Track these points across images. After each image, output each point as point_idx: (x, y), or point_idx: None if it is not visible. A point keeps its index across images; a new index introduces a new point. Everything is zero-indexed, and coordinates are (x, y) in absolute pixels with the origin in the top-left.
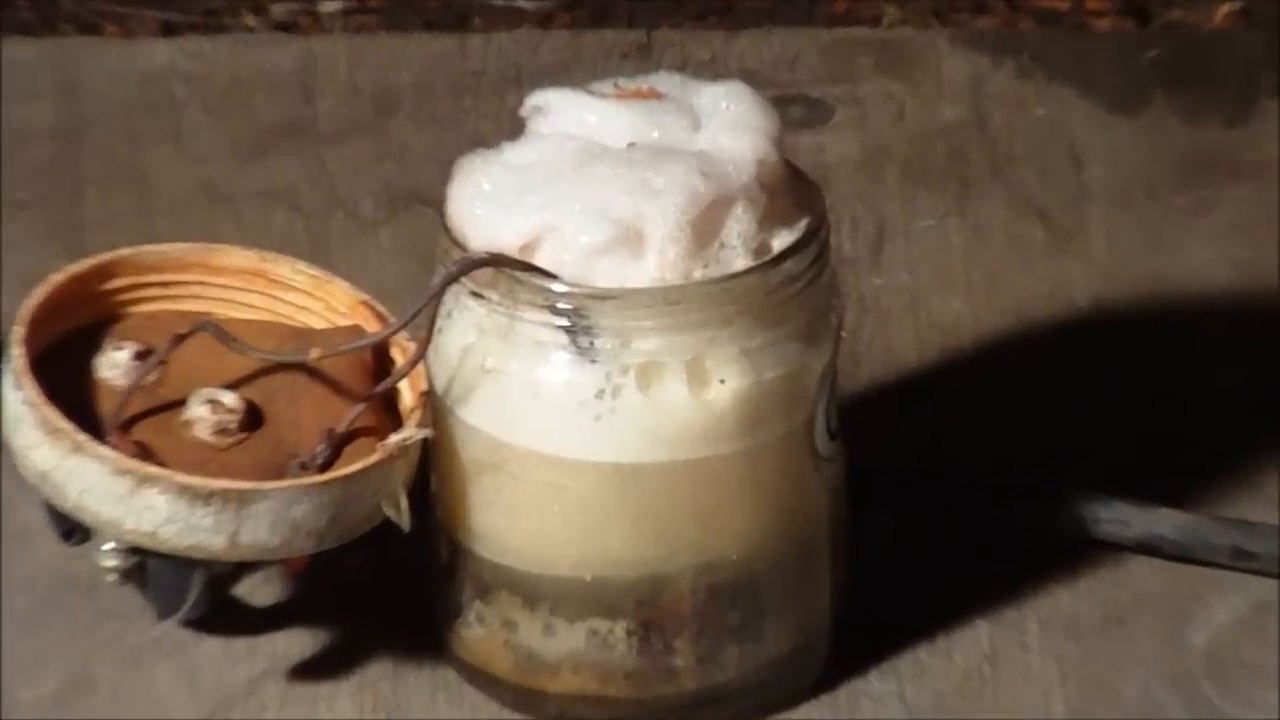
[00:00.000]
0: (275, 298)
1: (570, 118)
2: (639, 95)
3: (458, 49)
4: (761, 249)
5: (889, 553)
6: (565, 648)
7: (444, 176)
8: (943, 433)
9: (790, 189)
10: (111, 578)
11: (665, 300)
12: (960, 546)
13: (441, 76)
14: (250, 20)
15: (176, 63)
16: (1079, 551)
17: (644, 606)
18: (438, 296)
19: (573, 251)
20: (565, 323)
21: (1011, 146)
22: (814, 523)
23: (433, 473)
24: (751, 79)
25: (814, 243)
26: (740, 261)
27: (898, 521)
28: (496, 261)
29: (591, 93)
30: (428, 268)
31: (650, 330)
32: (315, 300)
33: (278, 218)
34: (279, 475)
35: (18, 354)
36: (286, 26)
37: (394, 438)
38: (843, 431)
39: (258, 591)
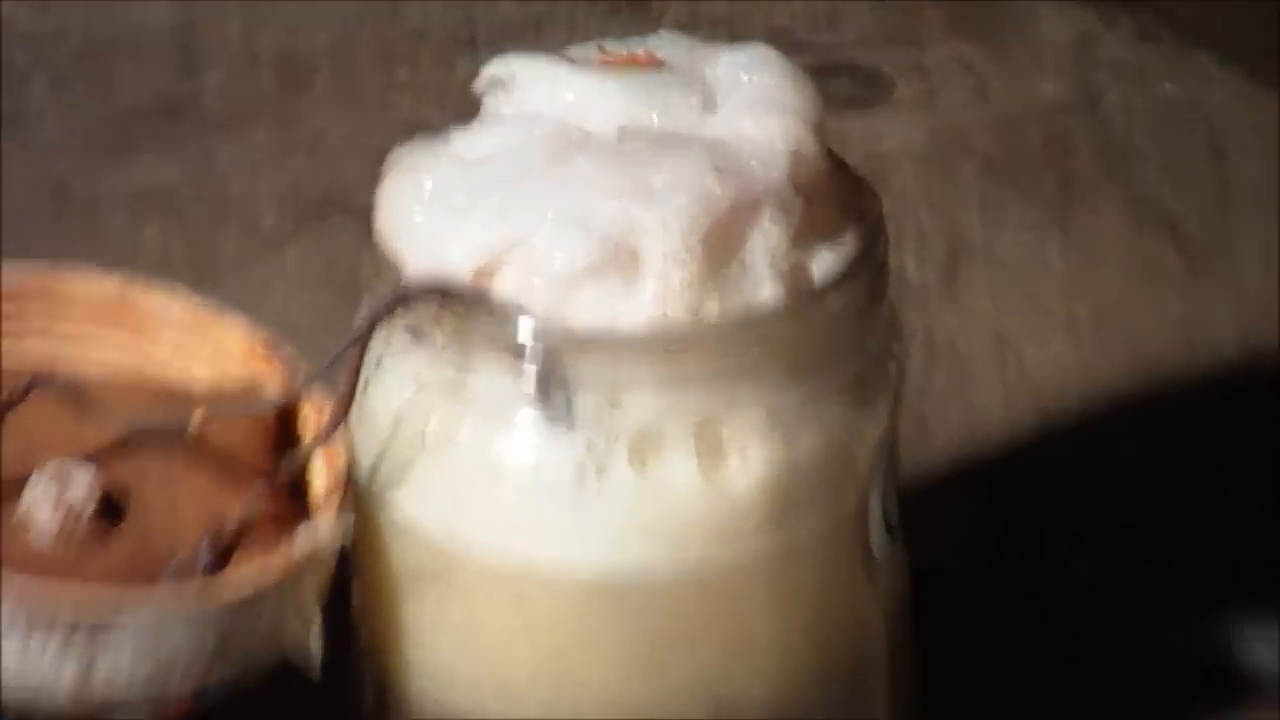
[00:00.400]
0: (145, 340)
1: (541, 94)
2: (632, 64)
3: (389, 3)
4: (796, 274)
5: (967, 684)
6: None
7: (372, 175)
8: (1039, 523)
9: (835, 191)
10: None
11: (667, 344)
12: (1061, 673)
13: (369, 40)
14: None
15: (15, 20)
16: (1221, 683)
17: None
18: (363, 339)
19: (544, 277)
20: (534, 375)
21: (1130, 134)
22: (866, 648)
23: (355, 582)
24: (782, 41)
25: (867, 265)
26: (767, 290)
27: (978, 643)
28: (442, 291)
29: (569, 61)
30: (350, 299)
31: (647, 385)
32: (199, 343)
33: (150, 231)
34: (148, 586)
35: None
36: None
37: (303, 535)
38: (905, 524)
39: None
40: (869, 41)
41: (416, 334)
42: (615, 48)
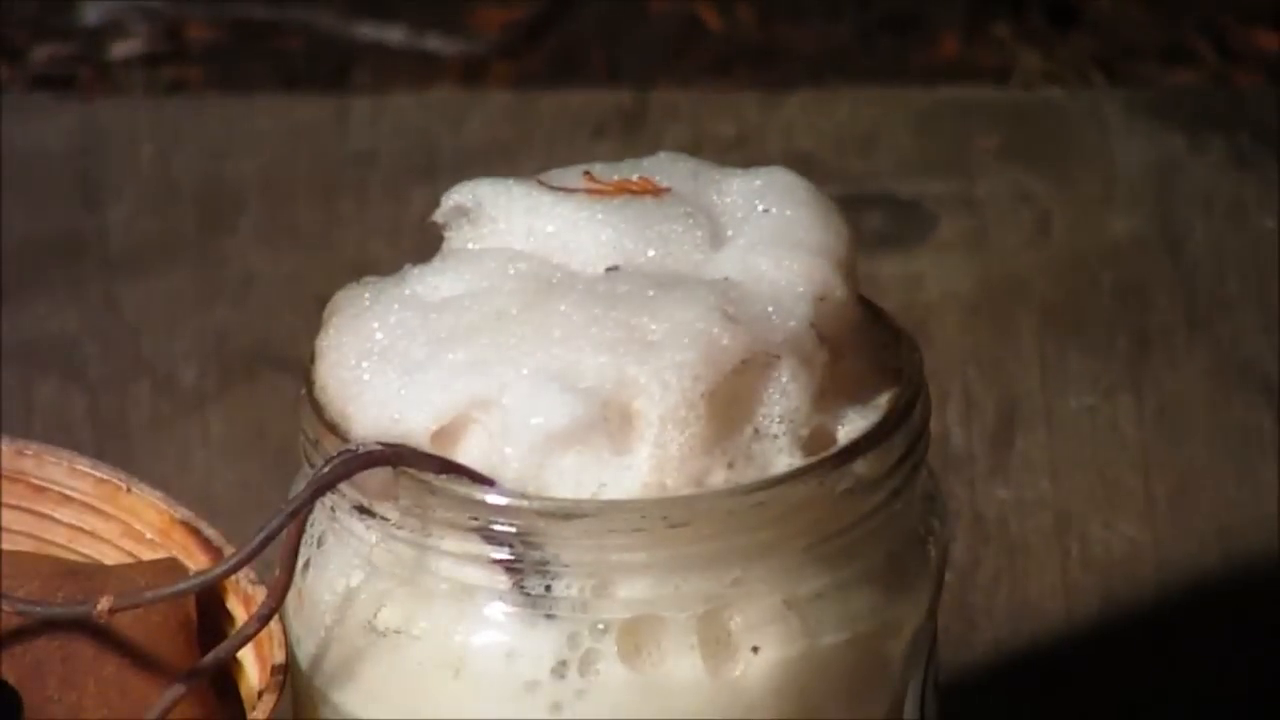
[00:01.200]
0: (42, 515)
1: (515, 227)
2: (625, 190)
3: (333, 119)
4: (819, 439)
5: None
6: None
7: (310, 324)
8: None
9: (867, 344)
10: None
11: (666, 519)
12: None
13: (308, 163)
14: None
15: None
16: None
17: None
18: (302, 515)
19: (519, 442)
20: (507, 555)
21: (1219, 278)
22: None
23: None
24: (805, 166)
25: (902, 431)
26: (784, 459)
27: None
28: (396, 459)
29: (549, 188)
30: (285, 470)
31: (642, 567)
32: (106, 519)
33: (45, 388)
34: None
35: None
36: (56, 81)
37: None
38: None
39: None
40: (908, 169)
41: (366, 509)
42: (604, 172)
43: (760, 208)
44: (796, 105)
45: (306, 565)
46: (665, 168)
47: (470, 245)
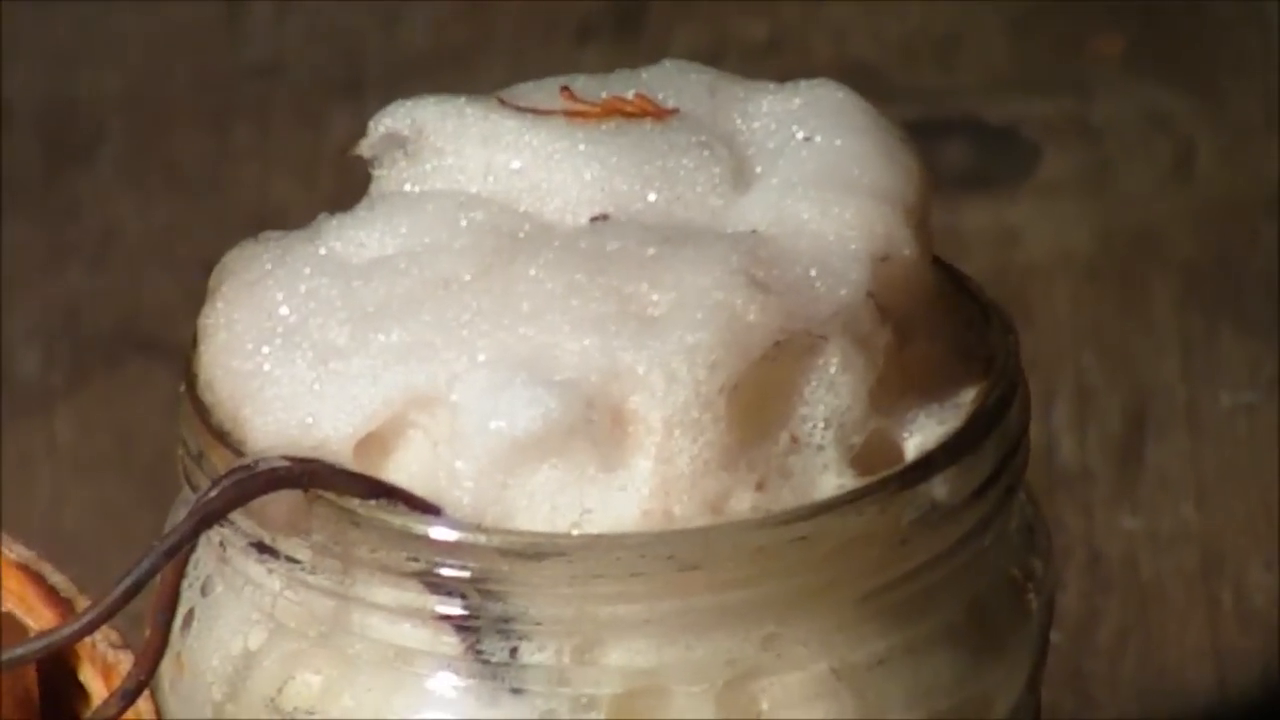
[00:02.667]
0: None
1: (468, 162)
2: (617, 112)
3: (223, 20)
4: (877, 451)
5: None
6: None
7: (194, 293)
8: None
9: (943, 322)
10: None
11: (674, 560)
12: None
13: (188, 77)
14: None
15: None
16: None
17: None
18: (180, 554)
19: (474, 453)
20: (458, 610)
21: None
22: None
23: None
24: (862, 80)
25: (992, 439)
26: (832, 478)
27: None
28: (309, 478)
29: (514, 108)
30: (158, 491)
31: (640, 624)
32: None
33: None
34: None
35: None
36: None
37: None
38: None
39: None
40: (1000, 85)
41: (267, 547)
42: (590, 87)
43: (800, 135)
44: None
45: (188, 621)
46: (672, 81)
47: (408, 187)
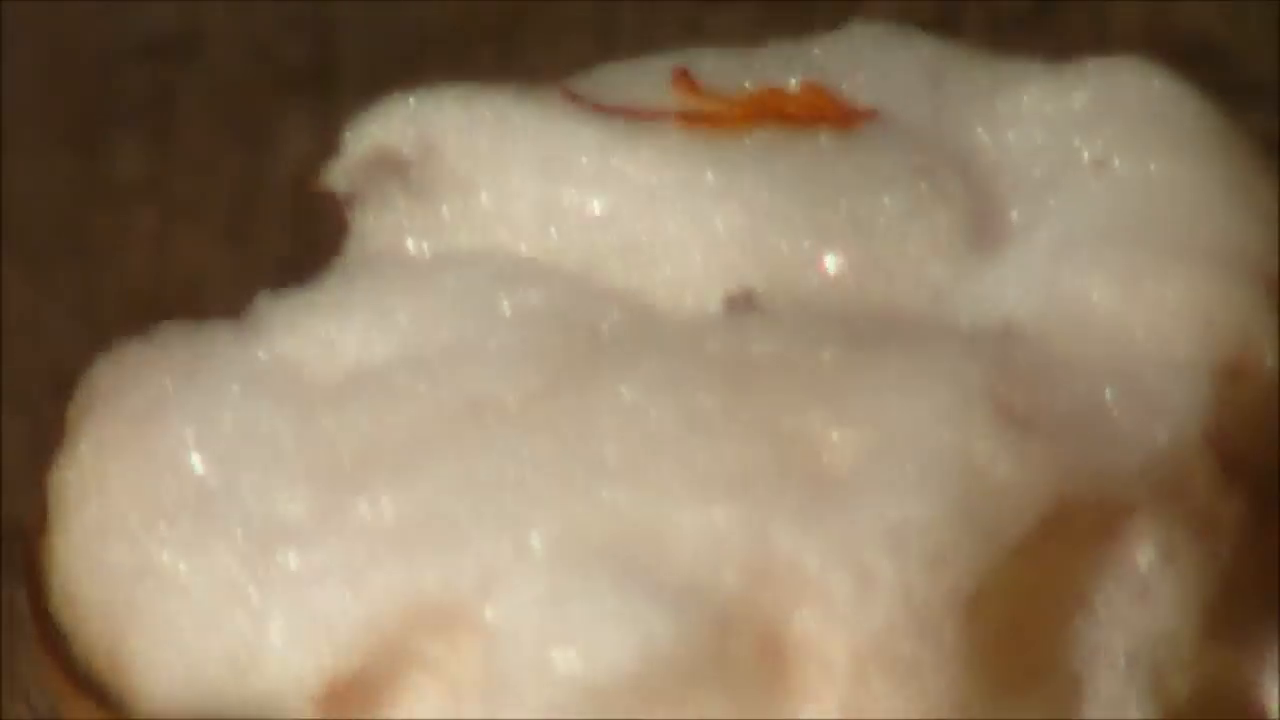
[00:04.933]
0: None
1: (514, 202)
2: (768, 114)
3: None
4: (1218, 703)
5: None
6: None
7: (38, 426)
8: None
9: None
10: None
11: None
12: None
13: (69, 60)
14: None
15: None
16: None
17: None
18: None
19: (524, 707)
20: None
21: None
22: None
23: None
24: (1202, 61)
25: None
26: None
27: None
28: None
29: (589, 105)
30: None
31: None
32: None
33: None
34: None
35: None
36: None
37: None
38: None
39: None
40: None
41: None
42: (723, 68)
43: (1088, 156)
44: None
45: None
46: (866, 59)
47: (411, 246)
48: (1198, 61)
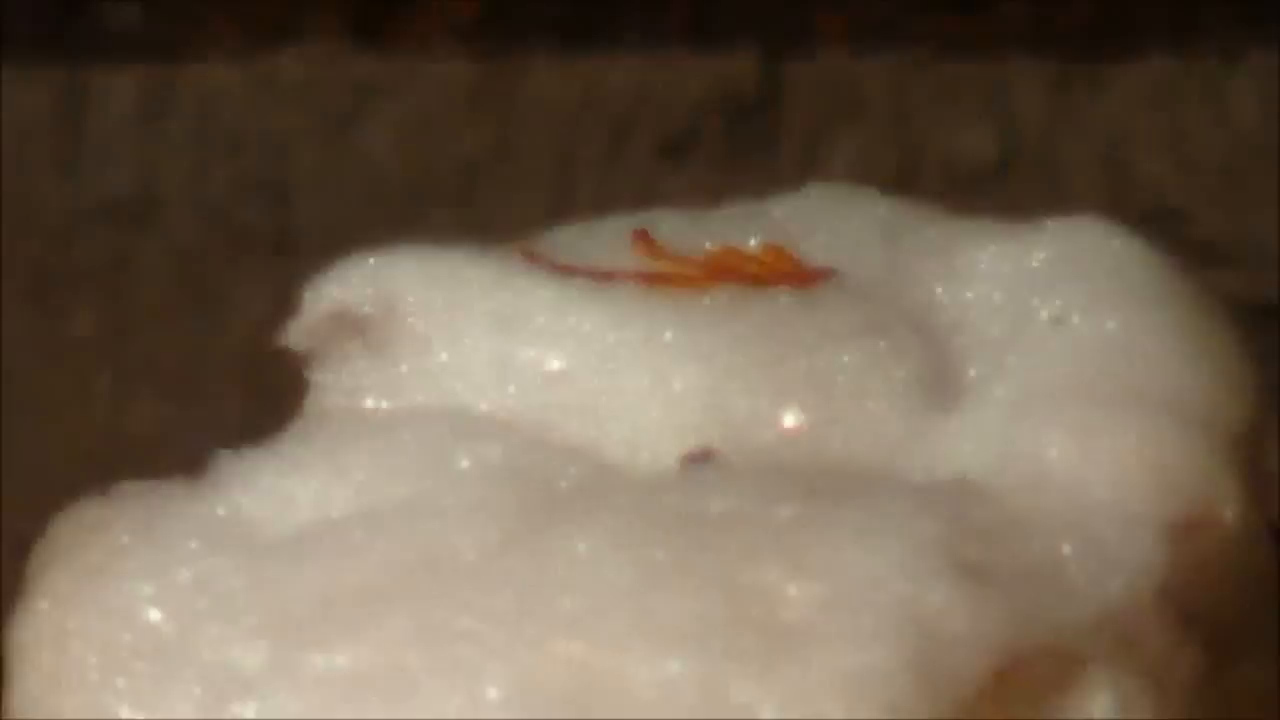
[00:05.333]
0: None
1: (473, 359)
2: (729, 274)
3: (59, 94)
4: None
5: None
6: None
7: None
8: None
9: None
10: None
11: None
12: None
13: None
14: None
15: None
16: None
17: None
18: None
19: None
20: None
21: None
22: None
23: None
24: (1152, 220)
25: None
26: None
27: None
28: None
29: (551, 266)
30: None
31: None
32: None
33: None
34: None
35: None
36: None
37: None
38: None
39: None
40: None
41: None
42: (681, 231)
43: (1045, 314)
44: (1133, 78)
45: None
46: (823, 220)
47: (370, 403)
48: (1153, 221)
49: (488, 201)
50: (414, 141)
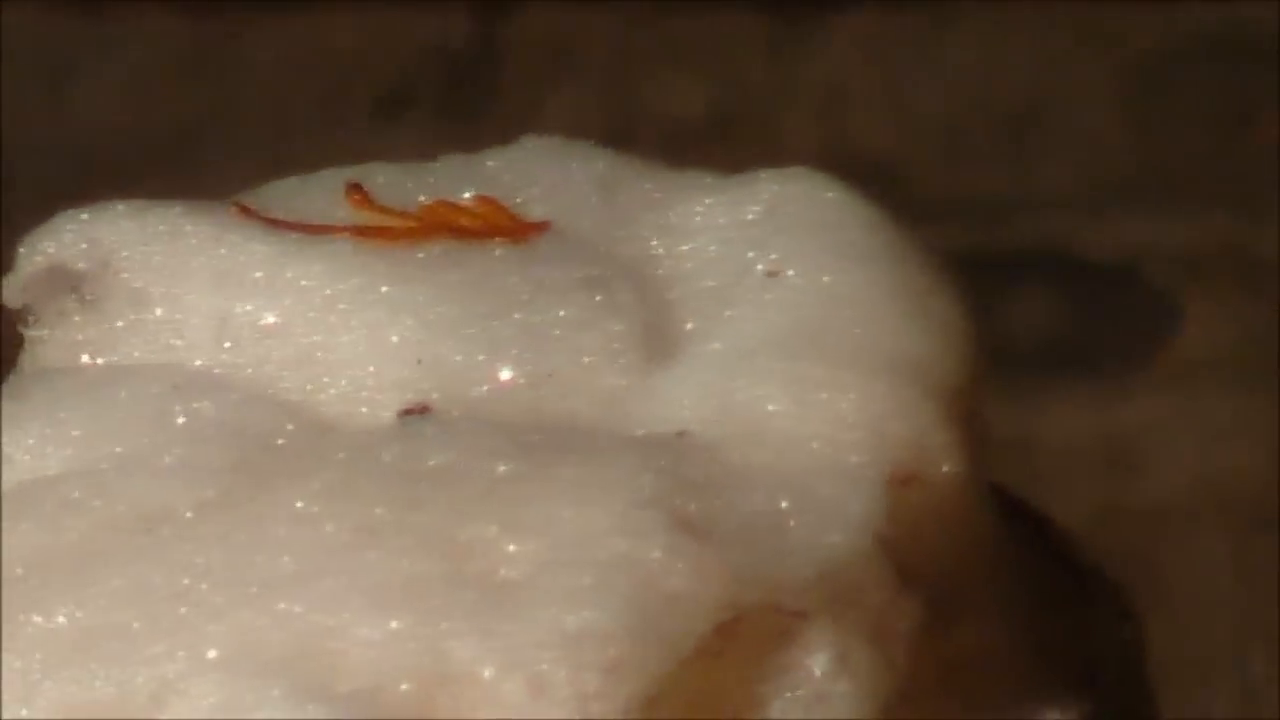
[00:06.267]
0: None
1: (190, 314)
2: (442, 228)
3: None
4: None
5: None
6: None
7: None
8: None
9: (1009, 594)
10: None
11: None
12: None
13: None
14: None
15: None
16: None
17: None
18: None
19: None
20: None
21: None
22: None
23: None
24: (867, 177)
25: None
26: None
27: None
28: None
29: (265, 220)
30: None
31: None
32: None
33: None
34: None
35: None
36: None
37: None
38: None
39: None
40: (1107, 196)
41: None
42: (393, 183)
43: (761, 267)
44: (848, 35)
45: None
46: (539, 173)
47: (86, 359)
48: (870, 180)
49: (205, 163)
50: (130, 103)
